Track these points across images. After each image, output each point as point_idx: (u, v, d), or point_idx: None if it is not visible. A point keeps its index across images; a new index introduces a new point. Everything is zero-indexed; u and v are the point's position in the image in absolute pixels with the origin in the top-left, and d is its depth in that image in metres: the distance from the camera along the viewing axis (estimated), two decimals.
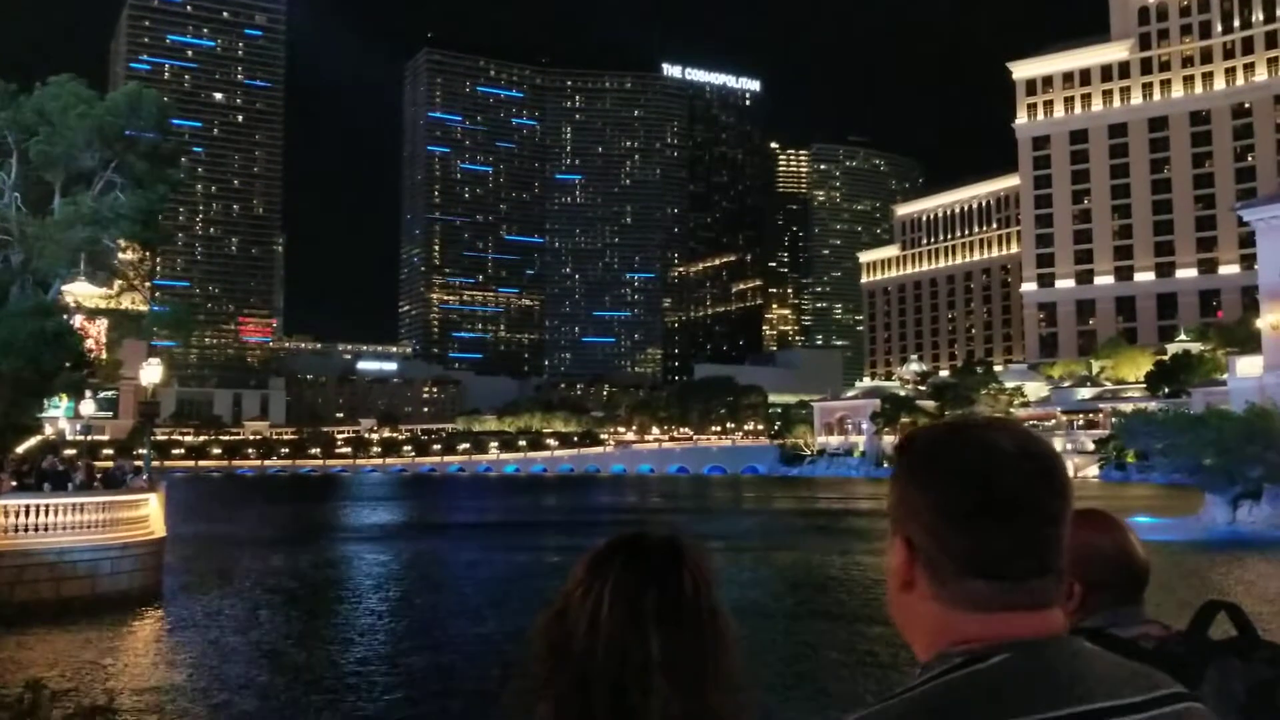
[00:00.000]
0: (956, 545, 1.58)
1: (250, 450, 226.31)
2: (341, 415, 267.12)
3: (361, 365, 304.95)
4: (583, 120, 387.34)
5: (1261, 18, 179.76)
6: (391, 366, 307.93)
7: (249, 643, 25.36)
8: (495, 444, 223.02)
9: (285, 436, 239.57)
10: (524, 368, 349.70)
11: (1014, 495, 1.56)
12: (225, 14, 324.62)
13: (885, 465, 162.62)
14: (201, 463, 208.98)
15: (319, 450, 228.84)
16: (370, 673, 22.01)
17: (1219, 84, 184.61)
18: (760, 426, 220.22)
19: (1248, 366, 67.74)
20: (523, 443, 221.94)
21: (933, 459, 1.64)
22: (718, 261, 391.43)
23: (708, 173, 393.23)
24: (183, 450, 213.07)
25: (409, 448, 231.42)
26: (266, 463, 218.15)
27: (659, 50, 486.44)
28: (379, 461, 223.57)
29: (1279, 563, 38.17)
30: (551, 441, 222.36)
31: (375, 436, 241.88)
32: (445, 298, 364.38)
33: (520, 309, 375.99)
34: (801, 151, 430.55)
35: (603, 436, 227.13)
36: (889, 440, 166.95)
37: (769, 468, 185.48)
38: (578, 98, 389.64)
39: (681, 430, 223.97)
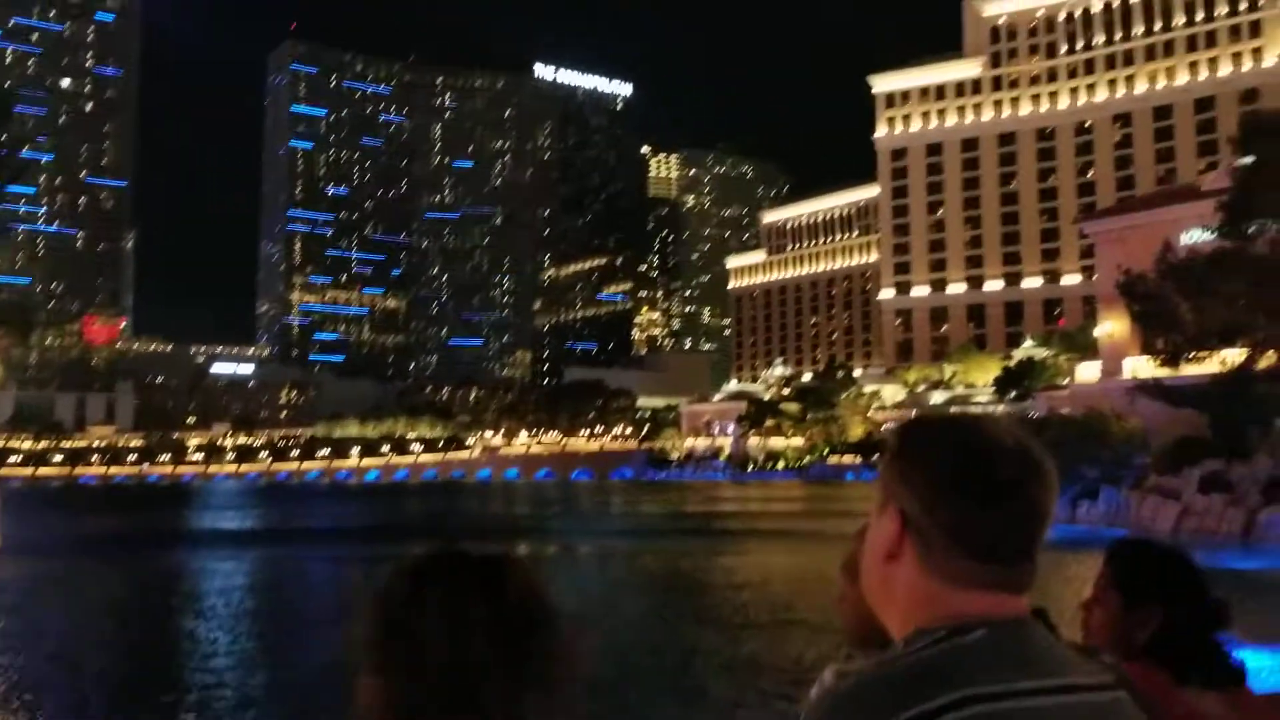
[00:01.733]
0: (951, 521, 1.65)
1: (94, 457, 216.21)
2: (194, 420, 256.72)
3: (216, 368, 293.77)
4: (452, 119, 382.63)
5: (1102, 40, 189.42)
6: (248, 369, 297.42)
7: (70, 661, 23.89)
8: (356, 449, 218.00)
9: (133, 443, 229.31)
10: (388, 371, 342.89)
11: (1012, 481, 1.64)
12: None
13: (750, 469, 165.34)
14: (40, 471, 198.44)
15: (169, 457, 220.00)
16: (208, 689, 20.96)
17: (1063, 102, 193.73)
18: (629, 430, 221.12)
19: (1086, 372, 71.04)
20: (385, 448, 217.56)
21: (937, 438, 1.72)
22: (588, 264, 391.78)
23: (579, 175, 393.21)
24: (20, 458, 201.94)
25: (265, 454, 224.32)
26: (112, 470, 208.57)
27: (531, 51, 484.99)
28: (233, 469, 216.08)
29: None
30: (416, 447, 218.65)
31: (230, 442, 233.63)
32: (306, 298, 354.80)
33: (385, 310, 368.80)
34: (672, 156, 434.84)
35: (469, 441, 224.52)
36: (754, 443, 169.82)
37: (637, 472, 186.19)
38: (448, 96, 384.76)
39: (550, 434, 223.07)
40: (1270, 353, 50.12)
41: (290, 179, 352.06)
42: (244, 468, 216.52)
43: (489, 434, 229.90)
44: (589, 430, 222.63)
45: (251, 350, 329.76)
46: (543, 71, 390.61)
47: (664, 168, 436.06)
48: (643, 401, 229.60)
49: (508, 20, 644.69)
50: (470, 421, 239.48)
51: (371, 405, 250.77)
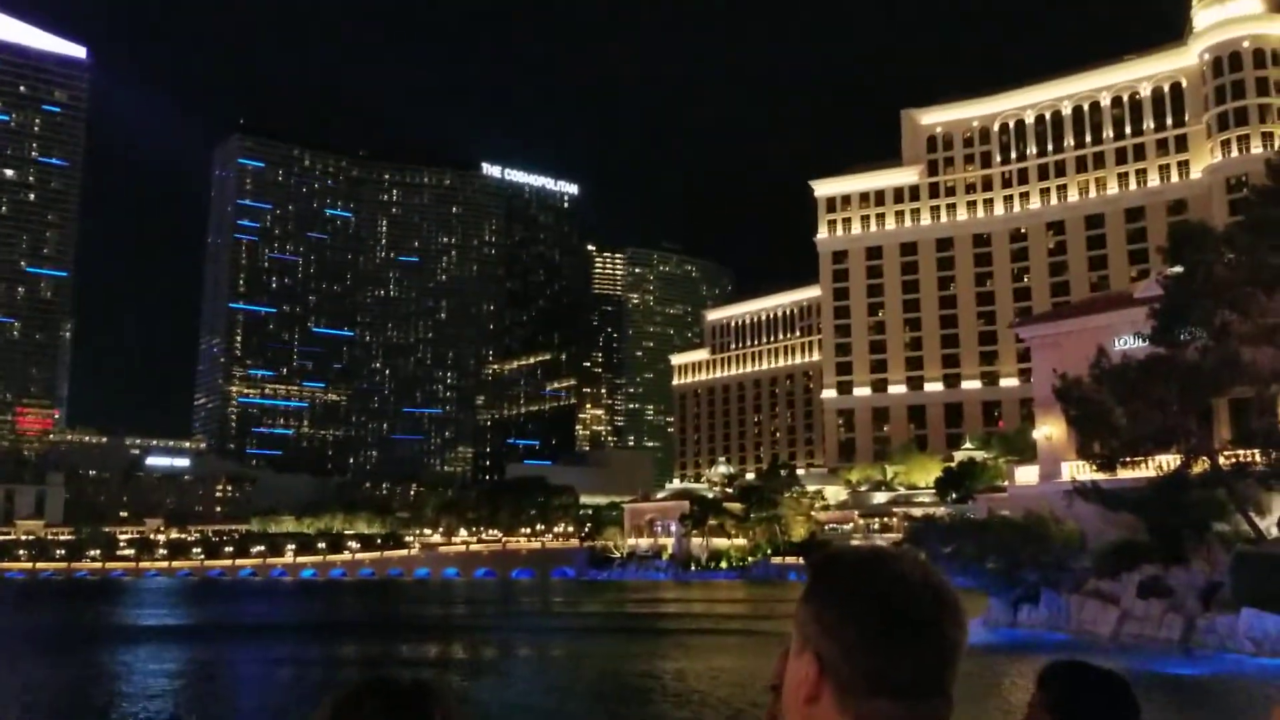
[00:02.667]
0: (869, 665, 1.69)
1: (21, 552, 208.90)
2: (126, 514, 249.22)
3: (150, 460, 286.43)
4: (399, 214, 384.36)
5: (1035, 151, 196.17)
6: (183, 463, 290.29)
7: None
8: (292, 546, 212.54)
9: (62, 537, 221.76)
10: (327, 466, 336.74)
11: (924, 621, 1.70)
12: (22, 88, 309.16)
13: (693, 569, 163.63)
14: None
15: (98, 552, 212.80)
16: None
17: (998, 209, 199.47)
18: (571, 528, 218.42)
19: (1025, 475, 71.38)
20: (322, 545, 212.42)
21: (850, 582, 1.74)
22: (532, 360, 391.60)
23: (525, 271, 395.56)
24: None
25: (198, 550, 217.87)
26: (39, 565, 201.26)
27: (480, 149, 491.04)
28: (164, 565, 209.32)
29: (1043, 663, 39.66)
30: (353, 544, 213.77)
31: (162, 538, 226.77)
32: (245, 391, 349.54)
33: (326, 404, 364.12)
34: (618, 254, 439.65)
35: (408, 539, 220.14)
36: (697, 542, 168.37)
37: (578, 571, 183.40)
38: (395, 191, 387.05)
39: (490, 532, 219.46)
40: (1203, 459, 50.81)
41: (233, 271, 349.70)
42: (176, 564, 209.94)
43: (428, 531, 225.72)
44: (530, 528, 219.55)
45: (188, 443, 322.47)
46: (490, 169, 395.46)
47: (609, 265, 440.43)
48: (585, 499, 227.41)
49: (457, 119, 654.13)
50: (409, 518, 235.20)
51: (309, 500, 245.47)
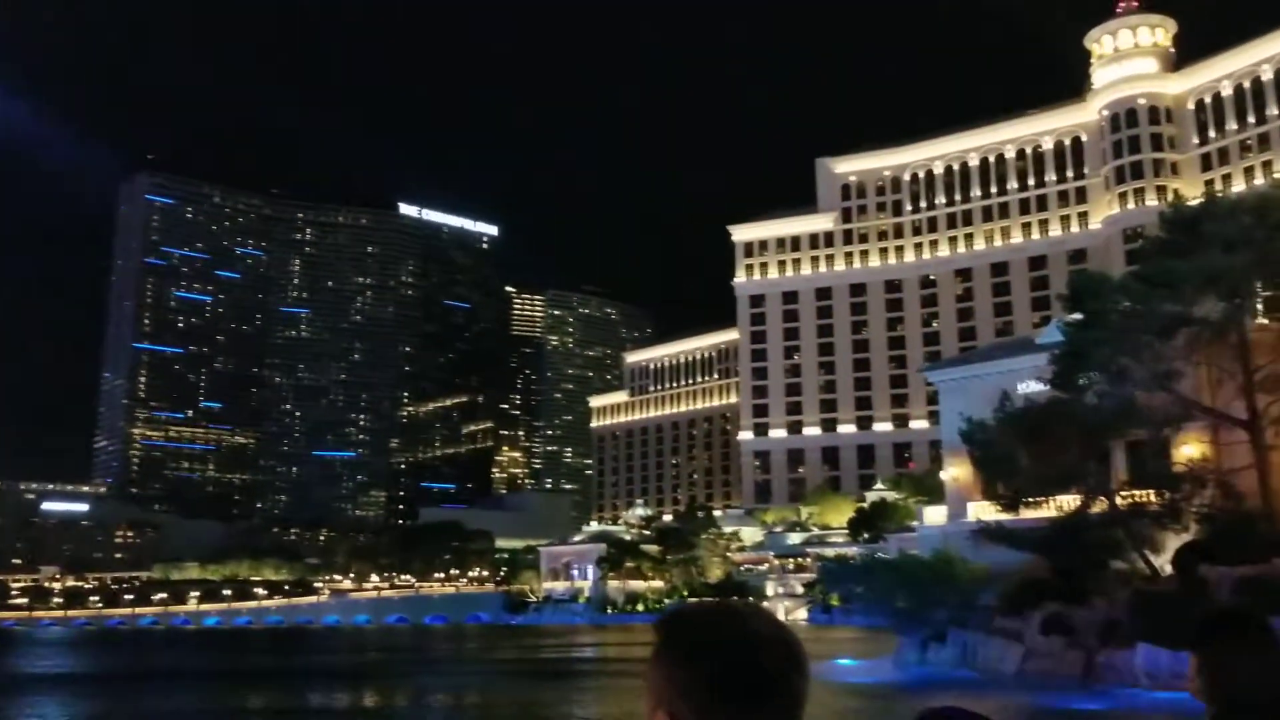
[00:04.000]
0: None
1: None
2: (20, 562, 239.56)
3: (46, 505, 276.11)
4: (313, 253, 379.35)
5: (944, 200, 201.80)
6: (82, 508, 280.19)
7: None
8: (196, 594, 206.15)
9: None
10: (234, 511, 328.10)
11: (772, 676, 1.73)
12: None
13: (609, 611, 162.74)
14: None
15: None
16: None
17: (909, 256, 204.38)
18: (487, 572, 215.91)
19: (934, 515, 72.80)
20: (227, 592, 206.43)
21: (699, 640, 1.77)
22: (449, 402, 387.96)
23: (442, 313, 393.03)
24: None
25: (96, 598, 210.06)
26: None
27: (397, 189, 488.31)
28: (60, 614, 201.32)
29: (958, 702, 40.34)
30: (260, 590, 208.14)
31: (58, 586, 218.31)
32: (149, 433, 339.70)
33: (233, 447, 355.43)
34: (537, 297, 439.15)
35: (317, 585, 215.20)
36: (614, 585, 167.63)
37: (494, 615, 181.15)
38: (309, 230, 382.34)
39: (404, 577, 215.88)
40: (1101, 499, 52.44)
41: (138, 309, 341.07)
42: (72, 613, 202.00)
43: (339, 577, 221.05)
44: (445, 573, 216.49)
45: (86, 487, 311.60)
46: (407, 209, 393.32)
47: (528, 307, 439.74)
48: (502, 542, 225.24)
49: (374, 159, 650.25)
50: (320, 564, 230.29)
51: (215, 547, 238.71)
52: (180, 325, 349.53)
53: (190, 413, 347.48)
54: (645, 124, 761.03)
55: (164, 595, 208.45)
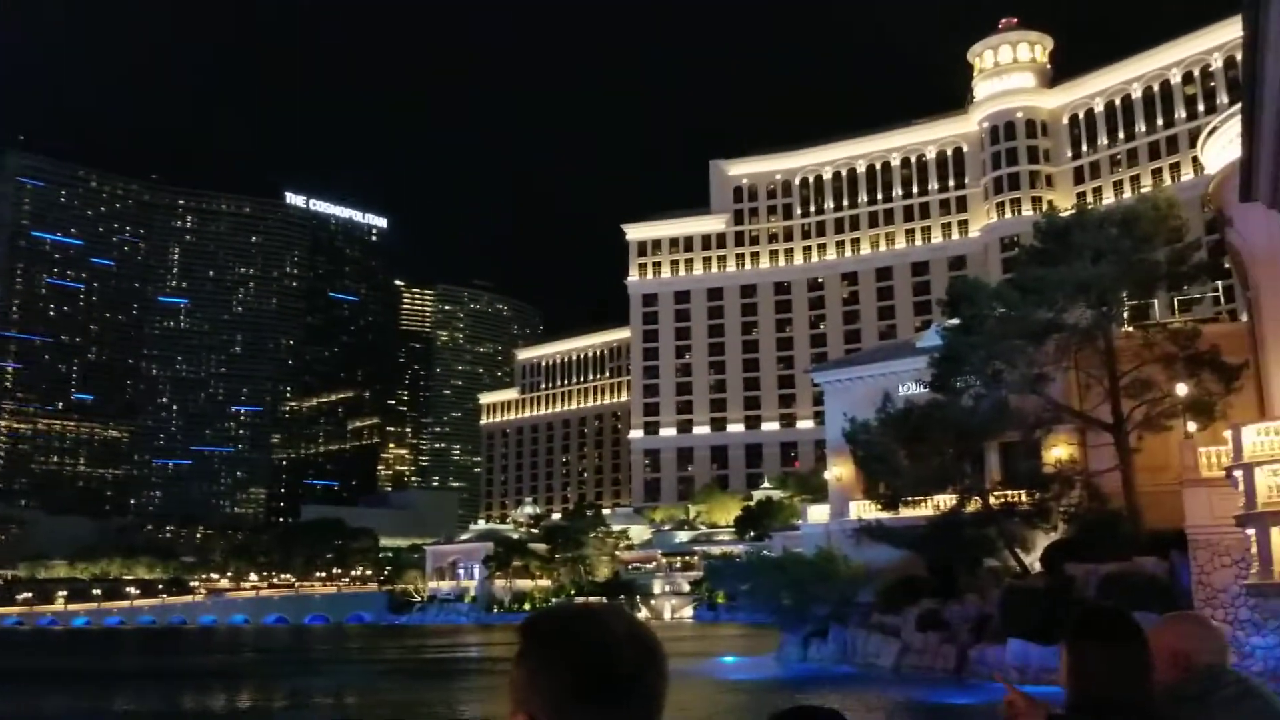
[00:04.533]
0: None
1: None
2: None
3: None
4: (194, 242, 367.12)
5: (832, 205, 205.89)
6: None
7: None
8: (63, 593, 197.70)
9: None
10: (106, 507, 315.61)
11: (628, 676, 1.77)
12: None
13: (496, 611, 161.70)
14: None
15: None
16: None
17: (798, 259, 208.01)
18: (370, 571, 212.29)
19: (817, 514, 74.19)
20: (97, 591, 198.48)
21: (557, 641, 1.81)
22: (334, 397, 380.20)
23: (328, 306, 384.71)
24: None
25: None
26: None
27: (283, 177, 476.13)
28: None
29: (834, 697, 41.25)
30: (132, 590, 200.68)
31: None
32: (15, 426, 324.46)
33: (105, 441, 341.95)
34: (426, 291, 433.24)
35: (193, 584, 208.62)
36: (500, 584, 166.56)
37: (376, 615, 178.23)
38: (190, 218, 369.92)
39: (283, 577, 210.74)
40: (976, 498, 54.24)
41: (7, 296, 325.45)
42: None
43: (215, 576, 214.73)
44: (326, 572, 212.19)
45: None
46: (294, 199, 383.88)
47: (417, 302, 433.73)
48: (386, 541, 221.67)
49: (262, 146, 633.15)
50: (196, 563, 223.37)
51: (85, 544, 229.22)
52: (51, 313, 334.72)
53: (60, 404, 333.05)
54: (540, 121, 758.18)
55: (29, 595, 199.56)
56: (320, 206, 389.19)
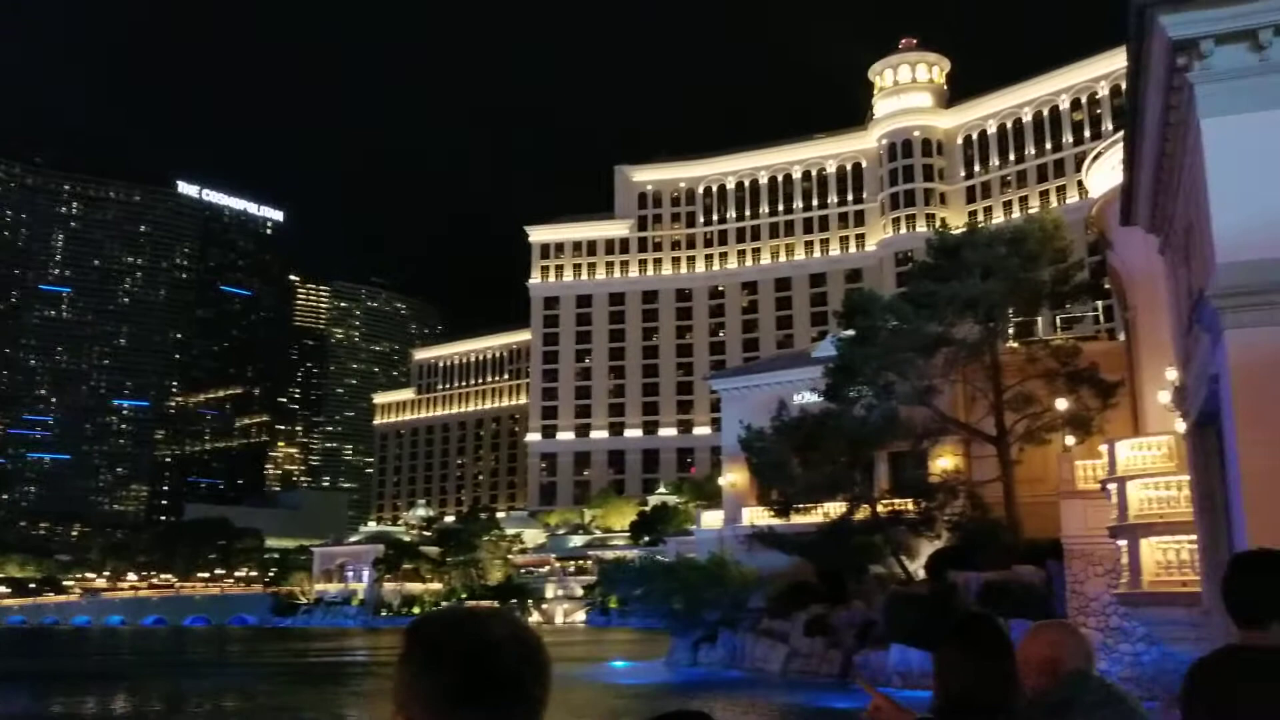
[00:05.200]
0: None
1: None
2: None
3: None
4: (79, 229, 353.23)
5: (734, 215, 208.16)
6: None
7: None
8: None
9: None
10: None
11: (508, 679, 1.77)
12: None
13: (384, 614, 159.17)
14: None
15: None
16: None
17: (700, 267, 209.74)
18: (255, 573, 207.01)
19: (711, 519, 74.84)
20: None
21: (438, 644, 1.82)
22: (222, 393, 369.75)
23: (219, 299, 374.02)
24: None
25: None
26: None
27: (176, 166, 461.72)
28: None
29: (722, 701, 41.68)
30: (2, 589, 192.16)
31: None
32: None
33: None
34: (322, 287, 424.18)
35: (68, 583, 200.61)
36: (390, 587, 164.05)
37: (260, 618, 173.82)
38: (75, 204, 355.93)
39: (164, 577, 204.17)
40: (864, 506, 55.39)
41: None
42: None
43: (92, 575, 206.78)
44: (209, 572, 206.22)
45: None
46: (186, 188, 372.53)
47: (313, 298, 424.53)
48: (273, 542, 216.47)
49: (152, 133, 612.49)
50: (71, 561, 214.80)
51: None
52: None
53: None
54: (444, 119, 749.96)
55: None
56: (214, 197, 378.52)
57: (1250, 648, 3.86)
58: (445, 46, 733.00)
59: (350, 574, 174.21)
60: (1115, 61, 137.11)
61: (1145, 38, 20.03)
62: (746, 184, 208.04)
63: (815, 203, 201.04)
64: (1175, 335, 28.81)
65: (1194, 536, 28.11)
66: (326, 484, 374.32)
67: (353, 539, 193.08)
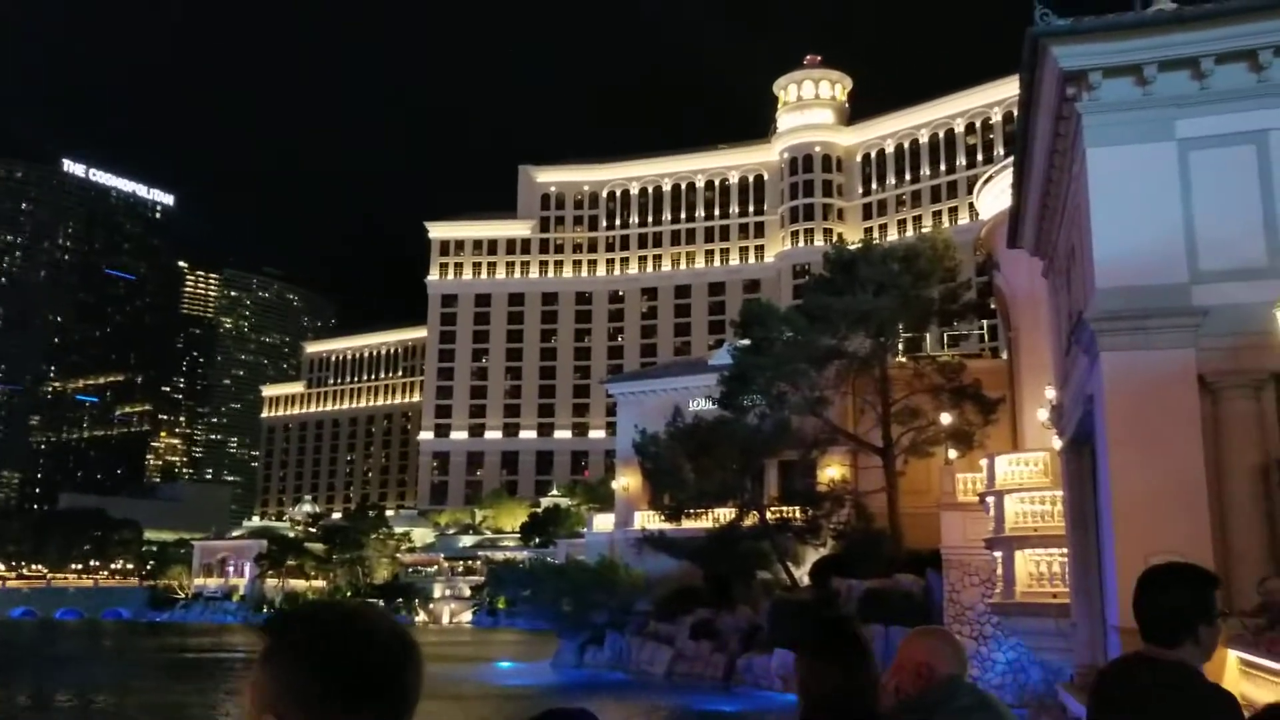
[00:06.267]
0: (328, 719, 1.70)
1: None
2: None
3: None
4: None
5: (637, 220, 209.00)
6: None
7: None
8: None
9: None
10: None
11: (382, 676, 1.74)
12: None
13: (265, 611, 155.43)
14: None
15: None
16: None
17: (601, 271, 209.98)
18: (132, 566, 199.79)
19: (603, 522, 75.05)
20: None
21: (311, 640, 1.76)
22: (102, 380, 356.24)
23: (103, 282, 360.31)
24: None
25: None
26: None
27: (61, 144, 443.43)
28: None
29: (610, 703, 41.78)
30: None
31: None
32: None
33: None
34: (212, 275, 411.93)
35: None
36: (272, 584, 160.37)
37: (136, 612, 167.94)
38: None
39: (35, 567, 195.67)
40: (754, 513, 56.18)
41: None
42: None
43: None
44: (84, 564, 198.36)
45: None
46: (73, 167, 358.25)
47: (201, 285, 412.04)
48: (151, 534, 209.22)
49: (39, 107, 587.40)
50: None
51: None
52: None
53: None
54: (352, 107, 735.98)
55: None
56: (101, 178, 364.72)
57: (1158, 659, 4.00)
58: (361, 42, 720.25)
59: (231, 569, 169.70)
60: (1009, 89, 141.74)
61: (1038, 67, 20.78)
62: (650, 190, 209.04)
63: (717, 212, 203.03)
64: (1055, 356, 29.93)
65: (1065, 550, 29.21)
66: (210, 477, 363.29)
67: (235, 534, 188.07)
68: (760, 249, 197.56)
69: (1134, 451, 18.36)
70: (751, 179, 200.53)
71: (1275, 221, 18.53)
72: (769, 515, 56.14)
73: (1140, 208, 19.15)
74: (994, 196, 47.45)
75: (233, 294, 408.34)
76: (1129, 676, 4.06)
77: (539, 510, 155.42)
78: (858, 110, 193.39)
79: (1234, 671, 15.10)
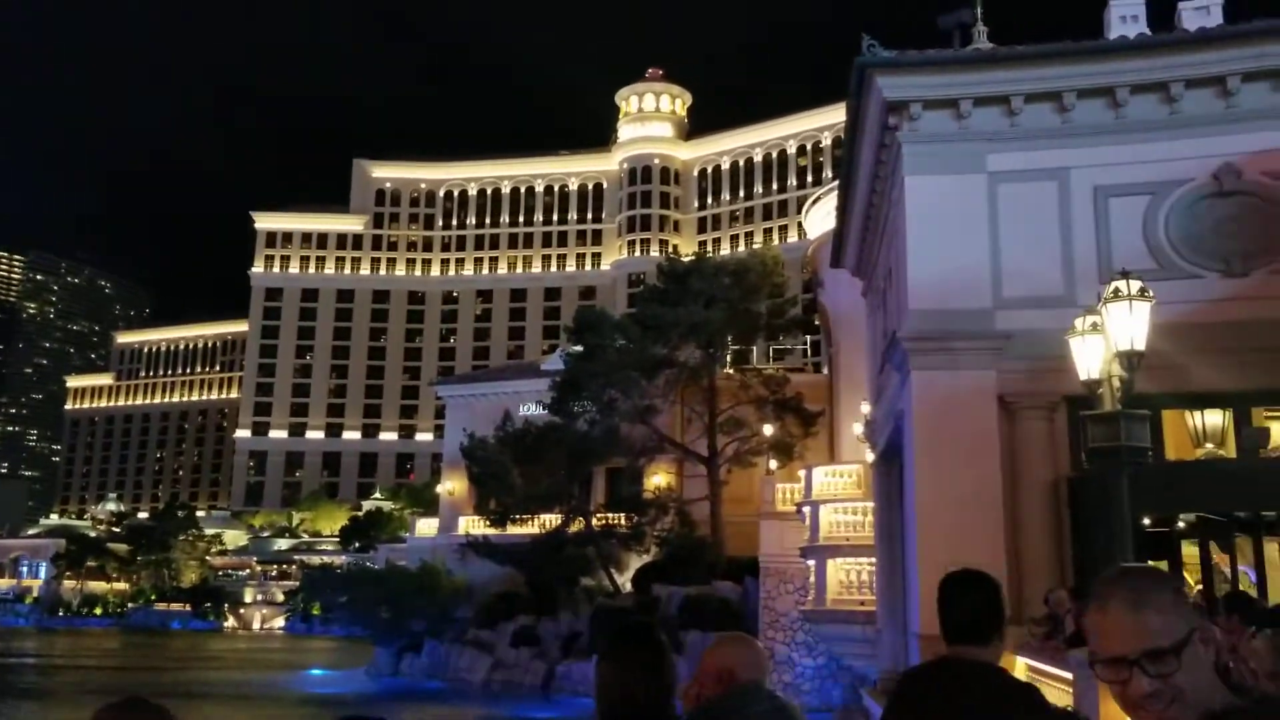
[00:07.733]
0: None
1: None
2: None
3: None
4: None
5: (474, 221, 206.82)
6: None
7: None
8: None
9: None
10: None
11: None
12: None
13: (61, 614, 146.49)
14: None
15: None
16: None
17: (435, 271, 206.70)
18: None
19: (426, 527, 73.78)
20: None
21: None
22: None
23: None
24: None
25: None
26: None
27: None
28: None
29: (431, 709, 41.09)
30: None
31: None
32: None
33: None
34: (16, 257, 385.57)
35: None
36: (69, 586, 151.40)
37: None
38: None
39: None
40: (580, 519, 56.29)
41: None
42: None
43: None
44: None
45: None
46: None
47: (4, 268, 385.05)
48: None
49: None
50: None
51: None
52: None
53: None
54: (188, 100, 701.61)
55: None
56: None
57: (965, 659, 4.10)
58: (191, 24, 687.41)
59: (25, 569, 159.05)
60: (839, 114, 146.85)
61: (863, 95, 21.59)
62: (489, 192, 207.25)
63: (555, 218, 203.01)
64: (870, 372, 31.14)
65: (874, 559, 30.36)
66: (5, 471, 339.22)
67: (31, 532, 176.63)
68: (597, 256, 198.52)
69: (938, 466, 19.20)
70: (591, 187, 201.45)
71: (1072, 254, 19.75)
72: (595, 522, 56.37)
73: (952, 235, 20.09)
74: (821, 217, 49.07)
75: (38, 278, 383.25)
76: (930, 677, 4.16)
77: (360, 514, 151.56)
78: (696, 126, 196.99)
79: (1022, 676, 15.97)
